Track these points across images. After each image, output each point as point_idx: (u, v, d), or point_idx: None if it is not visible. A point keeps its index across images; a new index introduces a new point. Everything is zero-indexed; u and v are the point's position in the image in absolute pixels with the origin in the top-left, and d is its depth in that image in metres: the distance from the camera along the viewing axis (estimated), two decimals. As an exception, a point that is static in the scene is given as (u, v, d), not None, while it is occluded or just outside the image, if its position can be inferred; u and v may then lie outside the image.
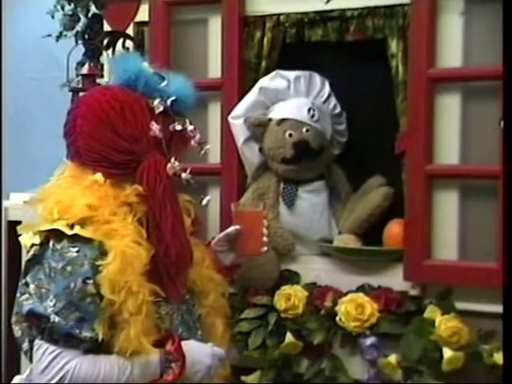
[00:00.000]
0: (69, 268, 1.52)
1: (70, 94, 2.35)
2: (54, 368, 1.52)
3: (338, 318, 1.90)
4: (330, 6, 1.98)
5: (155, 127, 1.61)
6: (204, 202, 1.77)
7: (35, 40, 2.91)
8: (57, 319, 1.51)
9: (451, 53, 1.84)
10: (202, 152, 1.73)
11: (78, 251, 1.53)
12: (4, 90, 3.30)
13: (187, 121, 1.67)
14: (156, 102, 1.63)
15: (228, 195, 2.06)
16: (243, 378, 1.99)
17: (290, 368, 1.97)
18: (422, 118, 1.84)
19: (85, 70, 2.34)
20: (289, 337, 1.94)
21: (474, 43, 1.83)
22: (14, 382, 1.71)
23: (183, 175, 1.65)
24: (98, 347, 1.54)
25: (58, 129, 1.70)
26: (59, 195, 1.60)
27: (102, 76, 2.32)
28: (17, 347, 1.64)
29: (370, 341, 1.87)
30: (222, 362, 1.72)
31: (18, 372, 1.89)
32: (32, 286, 1.56)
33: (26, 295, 1.56)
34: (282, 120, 2.02)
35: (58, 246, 1.55)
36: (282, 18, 2.04)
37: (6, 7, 3.25)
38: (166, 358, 1.59)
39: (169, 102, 1.64)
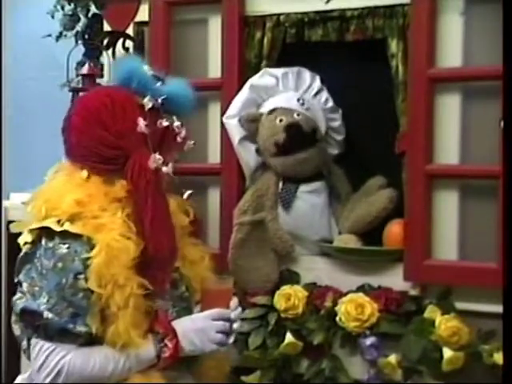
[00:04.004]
0: (60, 264, 1.55)
1: (70, 93, 2.35)
2: (50, 364, 1.54)
3: (337, 318, 1.90)
4: (329, 6, 1.98)
5: (142, 123, 1.62)
6: (185, 196, 1.79)
7: (35, 40, 2.91)
8: (50, 315, 1.53)
9: (451, 53, 1.84)
10: (185, 148, 1.73)
11: (68, 247, 1.55)
12: (4, 90, 3.30)
13: (174, 118, 1.69)
14: (146, 99, 1.65)
15: (228, 195, 2.06)
16: (243, 378, 1.98)
17: (289, 368, 1.96)
18: (422, 118, 1.84)
19: (85, 70, 2.35)
20: (289, 337, 1.94)
21: (474, 43, 1.83)
22: (16, 381, 1.72)
23: (164, 169, 1.65)
24: (91, 341, 1.56)
25: (57, 129, 1.71)
26: (48, 193, 1.63)
27: (101, 76, 2.33)
28: (17, 346, 1.65)
29: (370, 341, 1.87)
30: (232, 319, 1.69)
31: (18, 371, 1.89)
32: (25, 285, 1.57)
33: (19, 294, 1.58)
34: (273, 110, 2.02)
35: (50, 244, 1.57)
36: (281, 17, 2.04)
37: (7, 7, 3.25)
38: (158, 339, 1.60)
39: (160, 100, 1.66)
